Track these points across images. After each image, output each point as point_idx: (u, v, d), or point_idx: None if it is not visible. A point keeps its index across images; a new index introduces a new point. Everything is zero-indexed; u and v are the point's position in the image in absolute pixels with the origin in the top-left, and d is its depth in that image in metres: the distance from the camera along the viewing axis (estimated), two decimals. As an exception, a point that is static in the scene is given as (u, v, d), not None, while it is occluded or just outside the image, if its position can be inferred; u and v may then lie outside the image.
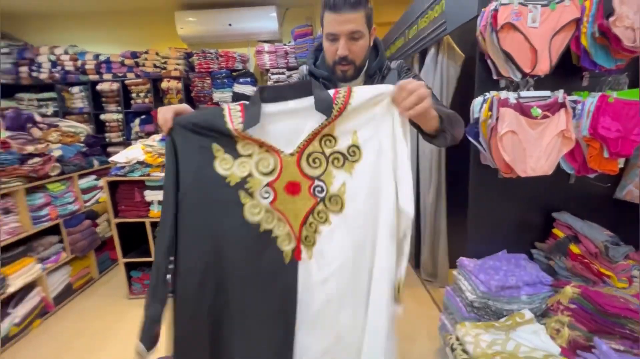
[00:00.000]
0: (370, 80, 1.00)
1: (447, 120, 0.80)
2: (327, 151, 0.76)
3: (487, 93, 1.35)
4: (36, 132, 2.31)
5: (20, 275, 1.97)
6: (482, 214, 1.62)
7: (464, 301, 1.46)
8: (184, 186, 0.76)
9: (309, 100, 0.73)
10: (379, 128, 0.74)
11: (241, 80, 3.63)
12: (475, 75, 1.47)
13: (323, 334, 0.79)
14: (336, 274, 0.77)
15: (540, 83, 1.35)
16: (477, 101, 1.39)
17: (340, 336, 0.79)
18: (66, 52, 3.61)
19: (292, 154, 0.76)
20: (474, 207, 1.60)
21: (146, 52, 3.60)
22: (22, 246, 2.04)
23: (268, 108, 0.73)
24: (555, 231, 1.54)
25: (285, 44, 3.70)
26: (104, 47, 3.83)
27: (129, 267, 2.37)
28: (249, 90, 3.62)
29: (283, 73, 3.68)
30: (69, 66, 3.61)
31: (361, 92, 0.73)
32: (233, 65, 3.64)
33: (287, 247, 0.78)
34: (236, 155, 0.76)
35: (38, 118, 2.40)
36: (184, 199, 0.76)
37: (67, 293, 2.34)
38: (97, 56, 3.63)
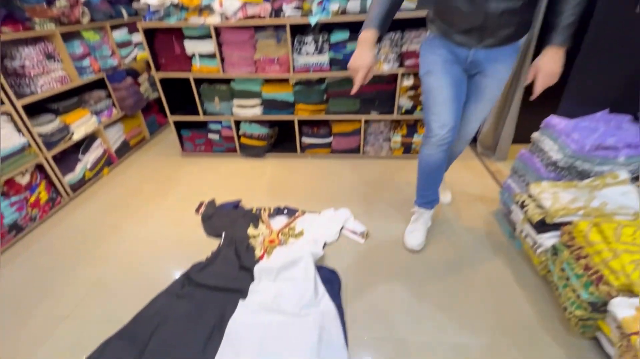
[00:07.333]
0: None
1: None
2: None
3: None
4: (55, -33, 2.01)
5: (80, 124, 2.03)
6: (592, 65, 1.32)
7: (544, 161, 1.33)
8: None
9: None
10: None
11: None
12: None
13: None
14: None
15: None
16: None
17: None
18: None
19: None
20: (592, 46, 1.28)
21: None
22: (75, 97, 2.04)
23: None
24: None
25: None
26: None
27: (178, 127, 2.39)
28: None
29: None
30: None
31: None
32: None
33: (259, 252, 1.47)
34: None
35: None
36: None
37: (125, 149, 2.46)
38: None
